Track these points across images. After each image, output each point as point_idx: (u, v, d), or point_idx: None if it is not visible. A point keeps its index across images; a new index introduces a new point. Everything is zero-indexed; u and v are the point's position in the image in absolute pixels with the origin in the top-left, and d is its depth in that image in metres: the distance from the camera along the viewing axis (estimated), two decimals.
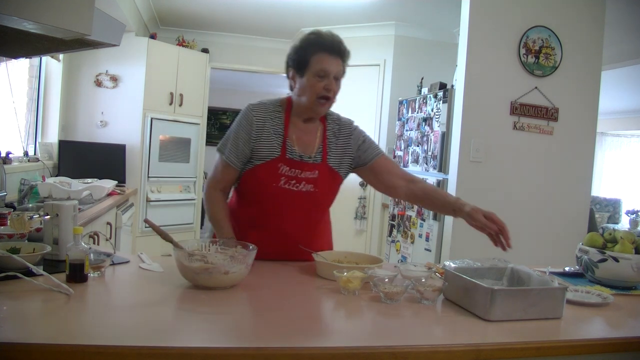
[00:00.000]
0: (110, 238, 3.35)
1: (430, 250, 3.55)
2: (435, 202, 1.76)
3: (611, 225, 6.99)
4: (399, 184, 1.79)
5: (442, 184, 3.44)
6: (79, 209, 2.80)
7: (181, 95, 5.14)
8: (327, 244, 1.87)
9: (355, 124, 1.85)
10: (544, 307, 1.29)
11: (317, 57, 1.64)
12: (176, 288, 1.34)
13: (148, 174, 4.87)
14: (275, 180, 1.68)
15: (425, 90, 3.97)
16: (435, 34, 5.06)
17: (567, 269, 1.84)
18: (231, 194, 1.85)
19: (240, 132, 1.70)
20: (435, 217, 3.53)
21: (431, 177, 3.61)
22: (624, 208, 7.54)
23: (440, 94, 3.56)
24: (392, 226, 4.28)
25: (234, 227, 1.78)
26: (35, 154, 3.94)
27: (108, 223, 3.38)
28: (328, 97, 1.66)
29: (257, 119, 1.69)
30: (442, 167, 3.46)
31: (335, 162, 1.76)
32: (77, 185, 3.42)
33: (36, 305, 1.16)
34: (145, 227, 4.62)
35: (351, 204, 5.11)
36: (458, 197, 1.71)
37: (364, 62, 5.14)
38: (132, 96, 4.68)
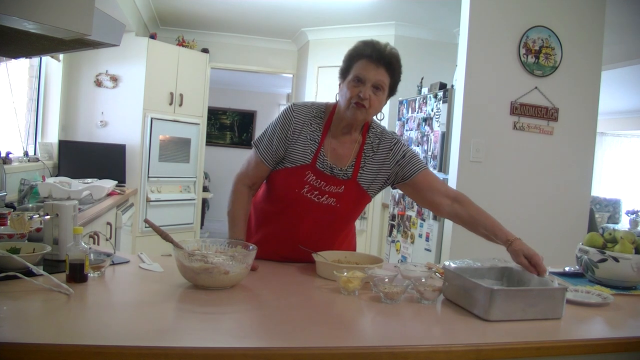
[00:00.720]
0: (110, 238, 3.35)
1: (430, 250, 3.55)
2: (481, 230, 1.65)
3: (611, 225, 6.99)
4: (442, 202, 1.70)
5: None
6: (79, 209, 2.80)
7: (181, 95, 5.14)
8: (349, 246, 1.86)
9: (399, 137, 1.78)
10: (543, 308, 1.29)
11: (358, 64, 1.61)
12: (176, 288, 1.34)
13: (148, 174, 4.87)
14: (299, 186, 1.65)
15: (425, 90, 3.97)
16: (435, 34, 5.06)
17: (567, 269, 1.84)
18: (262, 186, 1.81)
19: (277, 130, 1.67)
20: (435, 217, 3.53)
21: None
22: (624, 208, 7.55)
23: (440, 94, 3.56)
24: (392, 226, 4.28)
25: (252, 218, 1.78)
26: (35, 154, 3.94)
27: (108, 223, 3.38)
28: (361, 104, 1.59)
29: (297, 121, 1.67)
30: (442, 167, 3.46)
31: (366, 179, 1.69)
32: (77, 185, 3.42)
33: (36, 305, 1.16)
34: (145, 227, 4.62)
35: None
36: (507, 232, 1.59)
37: None
38: (132, 96, 4.68)
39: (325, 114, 1.71)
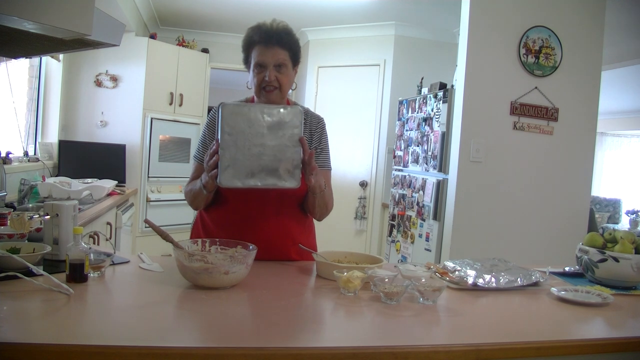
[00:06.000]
0: (110, 238, 3.35)
1: (430, 250, 3.55)
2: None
3: (611, 225, 6.99)
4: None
5: (442, 184, 3.44)
6: (79, 209, 2.80)
7: (181, 95, 5.14)
8: (307, 242, 1.81)
9: (324, 124, 1.82)
10: None
11: (255, 52, 1.69)
12: (176, 288, 1.34)
13: (148, 174, 4.87)
14: None
15: (425, 90, 3.97)
16: (435, 34, 5.06)
17: (567, 269, 1.84)
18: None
19: (206, 132, 1.77)
20: (435, 217, 3.53)
21: (431, 177, 3.61)
22: (624, 208, 7.55)
23: (440, 94, 3.56)
24: (392, 226, 4.28)
25: (205, 226, 1.79)
26: (35, 154, 3.94)
27: (108, 223, 3.38)
28: (270, 88, 1.66)
29: None
30: (442, 167, 3.46)
31: None
32: (77, 185, 3.42)
33: (36, 305, 1.16)
34: (145, 227, 4.62)
35: (351, 204, 5.11)
36: None
37: (364, 62, 5.14)
38: (132, 96, 4.68)
39: (247, 102, 1.77)
